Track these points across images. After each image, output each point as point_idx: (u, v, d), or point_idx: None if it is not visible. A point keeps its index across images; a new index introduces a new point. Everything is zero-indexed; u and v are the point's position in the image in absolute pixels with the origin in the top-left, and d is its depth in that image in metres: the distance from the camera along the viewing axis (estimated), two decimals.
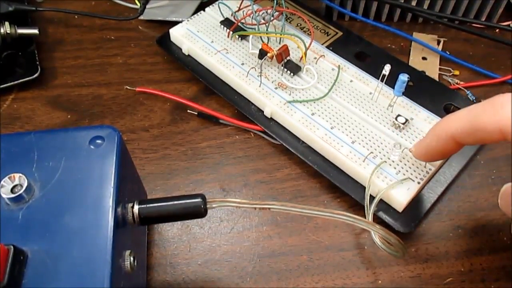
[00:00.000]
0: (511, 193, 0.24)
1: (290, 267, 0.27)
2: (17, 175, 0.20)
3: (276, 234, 0.28)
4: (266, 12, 0.35)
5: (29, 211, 0.19)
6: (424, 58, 0.38)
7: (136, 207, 0.22)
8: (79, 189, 0.20)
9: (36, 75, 0.35)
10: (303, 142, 0.31)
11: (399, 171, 0.28)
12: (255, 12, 0.34)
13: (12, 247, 0.17)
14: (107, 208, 0.20)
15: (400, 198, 0.27)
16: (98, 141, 0.22)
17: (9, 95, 0.35)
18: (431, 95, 0.33)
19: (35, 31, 0.36)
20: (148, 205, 0.22)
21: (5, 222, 0.19)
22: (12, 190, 0.19)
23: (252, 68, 0.33)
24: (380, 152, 0.29)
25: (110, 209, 0.19)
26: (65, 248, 0.18)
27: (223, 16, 0.37)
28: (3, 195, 0.19)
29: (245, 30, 0.35)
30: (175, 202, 0.22)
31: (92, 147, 0.21)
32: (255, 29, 0.35)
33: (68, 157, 0.21)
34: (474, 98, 0.35)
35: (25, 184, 0.19)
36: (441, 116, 0.31)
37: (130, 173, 0.25)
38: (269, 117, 0.32)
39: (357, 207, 0.29)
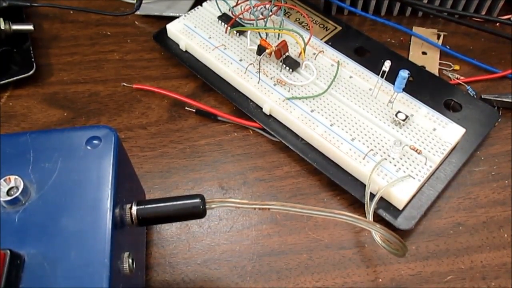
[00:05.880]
0: None
1: (290, 266, 0.27)
2: (12, 177, 0.19)
3: (276, 232, 0.28)
4: (265, 7, 0.34)
5: (26, 214, 0.19)
6: (424, 53, 0.37)
7: (134, 208, 0.21)
8: (76, 191, 0.20)
9: (31, 72, 0.35)
10: (302, 139, 0.31)
11: (399, 169, 0.28)
12: (253, 7, 0.34)
13: (8, 251, 0.17)
14: (105, 210, 0.19)
15: (400, 195, 0.27)
16: (95, 142, 0.21)
17: (4, 92, 0.35)
18: (431, 90, 0.33)
19: (30, 27, 0.36)
20: (146, 206, 0.22)
21: (1, 226, 0.19)
22: (8, 193, 0.19)
23: (251, 64, 0.33)
24: (380, 149, 0.29)
25: (108, 211, 0.19)
26: (63, 251, 0.18)
27: (221, 11, 0.36)
28: None
29: (243, 26, 0.35)
30: (174, 203, 0.22)
31: (88, 147, 0.21)
32: (253, 24, 0.34)
33: (64, 158, 0.21)
34: (474, 93, 0.35)
35: (21, 186, 0.19)
36: (442, 112, 0.31)
37: (128, 173, 0.24)
38: (268, 114, 0.32)
39: (357, 205, 0.29)
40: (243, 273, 0.27)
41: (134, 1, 0.40)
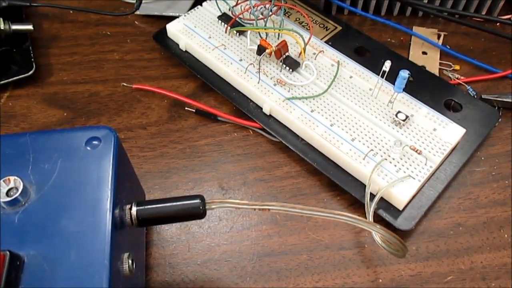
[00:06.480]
0: None
1: (290, 266, 0.27)
2: (12, 178, 0.19)
3: (276, 233, 0.28)
4: (265, 6, 0.34)
5: (25, 215, 0.19)
6: (424, 53, 0.37)
7: (134, 209, 0.21)
8: (76, 192, 0.20)
9: (31, 72, 0.35)
10: (302, 139, 0.31)
11: (400, 169, 0.28)
12: (253, 6, 0.34)
13: (8, 252, 0.17)
14: (105, 211, 0.19)
15: (401, 196, 0.27)
16: (95, 142, 0.21)
17: (4, 93, 0.35)
18: (432, 90, 0.33)
19: (30, 27, 0.36)
20: (146, 207, 0.22)
21: (1, 227, 0.18)
22: (7, 194, 0.19)
23: (251, 64, 0.33)
24: (380, 150, 0.29)
25: (107, 211, 0.19)
26: (62, 252, 0.18)
27: (221, 11, 0.36)
28: None
29: (243, 26, 0.35)
30: (174, 204, 0.22)
31: (88, 148, 0.21)
32: (253, 24, 0.34)
33: (64, 158, 0.21)
34: (474, 93, 0.35)
35: (21, 187, 0.19)
36: (442, 113, 0.31)
37: (128, 174, 0.24)
38: (268, 114, 0.32)
39: (357, 205, 0.29)
40: (243, 274, 0.26)
41: (134, 1, 0.40)
